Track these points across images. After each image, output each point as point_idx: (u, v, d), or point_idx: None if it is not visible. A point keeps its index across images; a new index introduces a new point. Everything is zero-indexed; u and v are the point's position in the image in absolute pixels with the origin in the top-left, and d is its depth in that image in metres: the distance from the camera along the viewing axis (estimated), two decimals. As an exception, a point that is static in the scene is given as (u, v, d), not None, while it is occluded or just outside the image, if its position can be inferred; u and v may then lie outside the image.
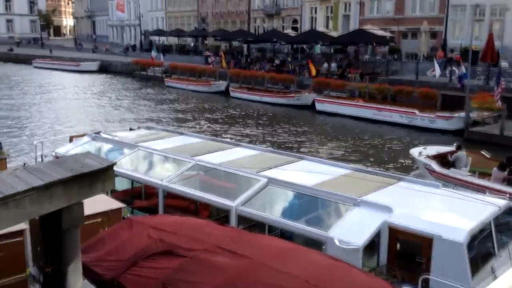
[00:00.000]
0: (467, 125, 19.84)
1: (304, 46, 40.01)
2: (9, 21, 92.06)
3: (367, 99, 25.13)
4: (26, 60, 56.96)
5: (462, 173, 12.63)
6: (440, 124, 20.84)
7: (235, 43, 46.95)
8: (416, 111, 21.77)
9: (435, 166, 13.18)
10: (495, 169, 12.04)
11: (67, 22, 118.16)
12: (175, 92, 34.76)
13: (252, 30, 47.56)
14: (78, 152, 11.47)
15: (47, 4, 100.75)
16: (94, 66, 48.43)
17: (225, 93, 32.75)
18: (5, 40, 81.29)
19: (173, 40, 57.49)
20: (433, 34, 33.14)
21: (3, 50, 64.71)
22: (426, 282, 6.03)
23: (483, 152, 13.77)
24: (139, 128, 13.83)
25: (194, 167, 9.35)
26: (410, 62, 31.63)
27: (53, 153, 12.15)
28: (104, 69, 48.29)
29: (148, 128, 13.58)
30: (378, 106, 23.55)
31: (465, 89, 20.66)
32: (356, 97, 25.94)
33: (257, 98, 29.97)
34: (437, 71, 23.89)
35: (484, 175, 12.58)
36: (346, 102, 25.07)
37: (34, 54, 59.16)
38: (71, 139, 13.16)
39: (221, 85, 33.55)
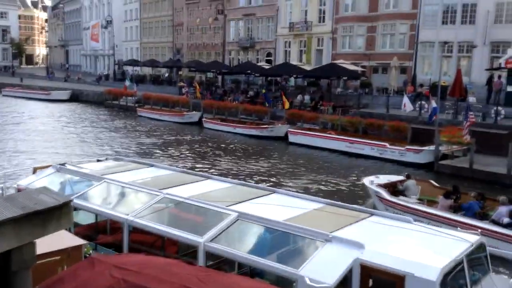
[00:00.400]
0: (436, 159, 20.10)
1: (278, 78, 40.50)
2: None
3: (340, 132, 25.35)
4: (-5, 88, 55.73)
5: (410, 201, 13.26)
6: (410, 157, 21.07)
7: (210, 74, 47.18)
8: (387, 144, 22.01)
9: (385, 194, 13.76)
10: (441, 197, 12.68)
11: (40, 51, 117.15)
12: (148, 123, 34.38)
13: (227, 62, 47.97)
14: (41, 184, 11.06)
15: (20, 33, 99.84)
16: (65, 95, 47.74)
17: (199, 123, 32.58)
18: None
19: (147, 70, 57.45)
20: (403, 69, 34.03)
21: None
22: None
23: (431, 181, 14.57)
24: (107, 159, 13.45)
25: (162, 200, 9.03)
26: (380, 96, 32.28)
27: (15, 185, 11.66)
28: (76, 98, 47.66)
29: (116, 159, 13.22)
30: (350, 138, 23.75)
31: (435, 123, 21.05)
32: (328, 129, 26.15)
33: (230, 129, 29.88)
34: (408, 106, 24.31)
35: (433, 202, 13.18)
36: (319, 134, 25.20)
37: (4, 82, 58.01)
38: (34, 171, 12.68)
39: (194, 115, 33.40)
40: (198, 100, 35.61)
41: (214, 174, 17.60)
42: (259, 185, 11.18)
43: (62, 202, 4.73)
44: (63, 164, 11.88)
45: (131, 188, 9.85)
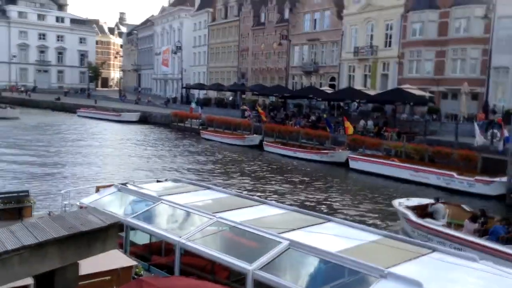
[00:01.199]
0: (509, 191, 18.71)
1: (341, 103, 39.97)
2: (60, 72, 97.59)
3: (404, 159, 24.36)
4: (71, 109, 59.41)
5: (436, 223, 13.49)
6: (480, 188, 19.75)
7: (272, 98, 47.51)
8: (455, 174, 20.81)
9: (412, 216, 13.93)
10: (466, 221, 12.84)
11: (115, 74, 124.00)
12: (210, 145, 35.01)
13: (290, 86, 48.14)
14: (102, 203, 11.42)
15: (96, 57, 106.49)
16: (134, 116, 49.87)
17: (259, 147, 32.68)
18: (55, 89, 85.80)
19: (212, 94, 58.92)
20: (474, 96, 32.39)
21: (51, 98, 67.95)
22: None
23: (463, 206, 14.52)
24: (166, 180, 13.68)
25: (215, 224, 8.97)
26: (449, 123, 30.80)
27: (78, 203, 12.11)
28: (145, 119, 49.61)
29: (175, 180, 13.41)
30: (415, 166, 22.71)
31: (508, 152, 19.67)
32: (392, 156, 25.22)
33: (290, 153, 29.69)
34: (479, 139, 22.82)
35: (460, 226, 13.16)
36: (382, 161, 24.36)
37: (79, 103, 61.71)
38: (97, 189, 13.14)
39: (255, 139, 33.59)
40: (259, 123, 35.82)
41: (271, 199, 17.46)
42: (314, 212, 10.85)
43: (108, 224, 4.75)
44: (124, 184, 12.19)
45: (186, 210, 9.89)
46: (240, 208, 9.96)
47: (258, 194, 18.79)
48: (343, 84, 41.88)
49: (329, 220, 9.35)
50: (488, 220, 12.93)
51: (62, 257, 4.32)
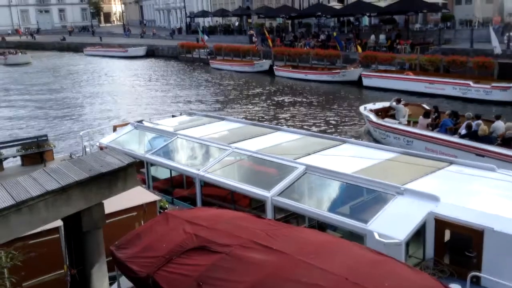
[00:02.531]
0: (527, 96, 18.40)
1: (351, 18, 38.57)
2: (61, 10, 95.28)
3: (418, 72, 23.84)
4: (77, 49, 58.73)
5: (392, 122, 14.82)
6: (497, 95, 19.42)
7: (279, 20, 46.04)
8: (471, 82, 20.41)
9: (372, 117, 15.24)
10: (420, 117, 13.99)
11: (116, 8, 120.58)
12: (220, 74, 34.64)
13: (296, 6, 46.40)
14: (120, 141, 11.60)
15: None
16: (141, 51, 49.15)
17: (269, 72, 32.23)
18: (58, 29, 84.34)
19: (215, 20, 57.29)
20: (490, -2, 30.88)
21: (56, 39, 67.04)
22: (477, 278, 5.48)
23: (423, 105, 15.62)
24: (181, 114, 13.72)
25: (232, 154, 9.09)
26: (464, 30, 29.70)
27: (97, 143, 12.32)
28: (151, 53, 48.92)
29: (190, 114, 13.45)
30: (430, 78, 22.27)
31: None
32: (406, 70, 24.68)
33: (302, 76, 29.28)
34: (495, 44, 21.96)
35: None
36: (396, 76, 23.92)
37: (85, 42, 60.83)
38: (114, 129, 13.29)
39: (265, 64, 33.04)
40: (269, 48, 35.05)
41: (286, 124, 17.50)
42: (329, 135, 10.86)
43: (126, 163, 4.85)
44: (140, 121, 12.27)
45: (202, 143, 10.00)
46: (256, 136, 10.03)
47: (273, 120, 18.82)
48: (352, -2, 40.14)
49: (345, 142, 9.36)
50: (440, 115, 13.90)
51: (86, 198, 4.47)
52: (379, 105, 16.42)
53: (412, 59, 25.14)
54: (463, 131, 12.35)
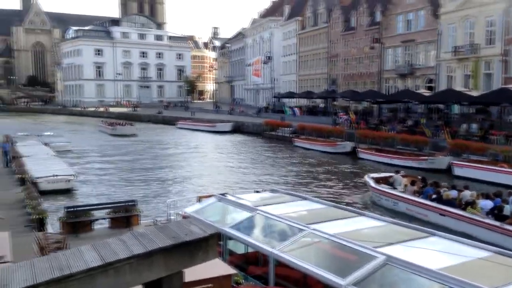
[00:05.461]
0: None
1: (440, 106, 37.84)
2: (160, 87, 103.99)
3: (513, 164, 22.45)
4: (171, 122, 62.84)
5: (385, 187, 17.99)
6: None
7: (365, 104, 46.38)
8: None
9: (372, 183, 18.55)
10: (409, 184, 17.11)
11: (209, 86, 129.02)
12: (302, 152, 35.00)
13: (383, 91, 46.67)
14: (203, 213, 11.90)
15: (192, 71, 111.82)
16: (228, 127, 51.44)
17: (351, 154, 32.00)
18: (156, 103, 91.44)
19: (303, 102, 59.00)
20: None
21: (153, 112, 72.42)
22: None
23: (418, 177, 18.49)
24: (264, 190, 13.90)
25: (309, 235, 8.89)
26: None
27: (181, 212, 12.73)
28: (238, 129, 50.97)
29: (272, 191, 13.55)
30: (527, 172, 20.84)
31: None
32: (500, 161, 23.32)
33: (386, 160, 28.66)
34: None
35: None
36: (489, 167, 22.61)
37: (178, 116, 65.02)
38: (199, 199, 13.74)
39: (347, 145, 32.96)
40: (352, 130, 35.11)
41: (368, 209, 16.96)
42: (416, 225, 10.27)
43: (208, 234, 4.92)
44: (223, 194, 12.58)
45: (280, 221, 9.94)
46: (336, 219, 9.77)
47: (355, 204, 18.39)
48: (442, 85, 39.66)
49: (433, 234, 8.74)
50: (427, 184, 16.72)
51: (167, 265, 4.55)
52: (382, 174, 19.95)
53: (506, 151, 23.80)
54: (433, 196, 15.67)
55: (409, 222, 13.71)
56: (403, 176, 18.29)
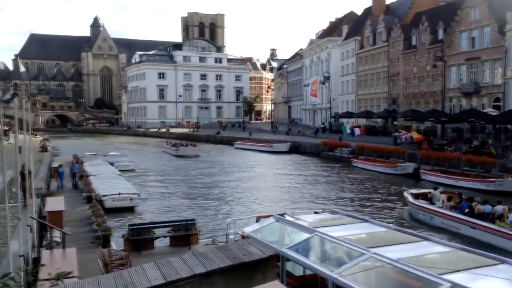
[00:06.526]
0: None
1: (508, 126, 35.91)
2: (218, 107, 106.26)
3: None
4: (229, 142, 63.81)
5: (423, 202, 19.13)
6: None
7: (427, 123, 44.87)
8: None
9: (410, 198, 19.86)
10: (445, 200, 18.18)
11: (267, 107, 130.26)
12: (361, 173, 34.27)
13: (447, 110, 45.01)
14: (261, 233, 11.89)
15: (250, 92, 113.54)
16: (285, 147, 51.43)
17: (413, 175, 30.91)
18: (214, 124, 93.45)
19: (361, 121, 58.03)
20: None
21: (211, 132, 73.94)
22: None
23: (456, 193, 19.42)
24: (323, 211, 13.71)
25: (369, 260, 8.62)
26: None
27: (240, 232, 12.80)
28: (294, 149, 50.82)
29: (332, 212, 13.34)
30: None
31: None
32: None
33: (451, 182, 27.40)
34: None
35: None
36: None
37: (236, 136, 65.92)
38: (258, 219, 13.77)
39: (409, 167, 31.90)
40: (416, 149, 33.97)
41: (432, 234, 16.25)
42: (485, 252, 9.68)
43: (267, 255, 4.92)
44: (282, 215, 12.52)
45: (339, 244, 9.72)
46: (398, 243, 9.41)
47: (417, 228, 17.69)
48: (510, 104, 37.69)
49: (503, 262, 8.20)
50: (463, 200, 17.75)
51: (227, 286, 4.58)
52: (421, 190, 21.17)
53: None
54: (466, 210, 16.73)
55: (446, 236, 15.91)
56: (441, 192, 19.42)
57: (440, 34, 47.36)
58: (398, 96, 54.94)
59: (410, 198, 19.79)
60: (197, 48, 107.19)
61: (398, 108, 53.11)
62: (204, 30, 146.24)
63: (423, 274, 7.46)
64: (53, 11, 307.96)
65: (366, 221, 11.88)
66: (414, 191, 20.85)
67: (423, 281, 7.36)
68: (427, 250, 8.99)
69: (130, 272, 4.48)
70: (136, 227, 14.04)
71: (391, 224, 13.28)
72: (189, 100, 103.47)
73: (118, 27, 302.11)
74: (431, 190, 19.70)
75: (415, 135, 36.75)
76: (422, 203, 19.07)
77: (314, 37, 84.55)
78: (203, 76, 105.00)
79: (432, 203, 18.75)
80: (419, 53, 50.57)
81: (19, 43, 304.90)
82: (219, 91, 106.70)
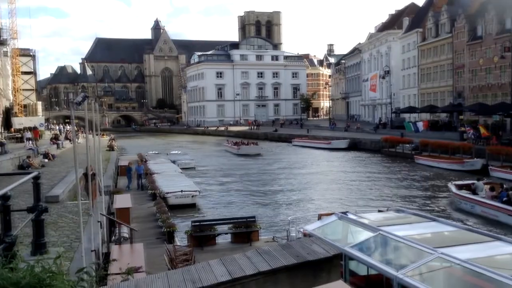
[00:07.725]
0: None
1: None
2: (276, 105, 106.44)
3: None
4: (286, 139, 63.73)
5: (465, 193, 20.10)
6: None
7: (496, 117, 42.54)
8: None
9: (453, 188, 20.84)
10: (488, 190, 19.11)
11: (324, 103, 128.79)
12: (426, 170, 33.09)
13: (517, 102, 42.48)
14: (324, 231, 11.79)
15: (307, 89, 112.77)
16: (344, 144, 50.61)
17: (482, 172, 29.42)
18: (271, 122, 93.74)
19: (424, 116, 55.99)
20: None
21: (269, 130, 74.16)
22: None
23: (498, 183, 20.47)
24: (388, 209, 13.42)
25: (437, 260, 8.31)
26: None
27: (301, 229, 12.76)
28: (354, 146, 49.90)
29: (397, 211, 12.99)
30: None
31: None
32: None
33: (524, 179, 25.92)
34: None
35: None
36: None
37: (293, 133, 65.71)
38: (319, 217, 13.70)
39: (477, 163, 30.41)
40: (482, 145, 32.35)
41: (506, 233, 15.42)
42: None
43: (332, 254, 4.85)
44: (344, 213, 12.36)
45: (405, 243, 9.45)
46: (468, 243, 9.01)
47: (489, 226, 16.88)
48: None
49: None
50: (504, 189, 18.44)
51: (292, 285, 4.56)
52: (465, 181, 22.16)
53: None
54: (504, 198, 17.65)
55: (485, 223, 17.24)
56: (485, 183, 20.46)
57: (508, 23, 44.73)
58: (463, 89, 52.50)
59: (453, 189, 20.83)
60: (253, 47, 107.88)
61: (464, 101, 50.77)
62: (261, 28, 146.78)
63: (496, 276, 7.11)
64: (115, 15, 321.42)
65: (434, 220, 11.43)
66: (458, 182, 22.30)
67: (496, 283, 7.01)
68: (500, 251, 8.58)
69: (197, 268, 4.58)
70: (198, 223, 14.37)
71: (460, 223, 12.71)
72: (246, 98, 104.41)
73: (177, 29, 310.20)
74: (475, 181, 20.71)
75: (482, 130, 34.94)
76: (464, 193, 20.17)
77: (373, 31, 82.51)
78: (260, 74, 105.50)
79: (476, 194, 19.56)
80: (485, 44, 48.05)
81: (85, 47, 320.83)
82: (276, 88, 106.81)
